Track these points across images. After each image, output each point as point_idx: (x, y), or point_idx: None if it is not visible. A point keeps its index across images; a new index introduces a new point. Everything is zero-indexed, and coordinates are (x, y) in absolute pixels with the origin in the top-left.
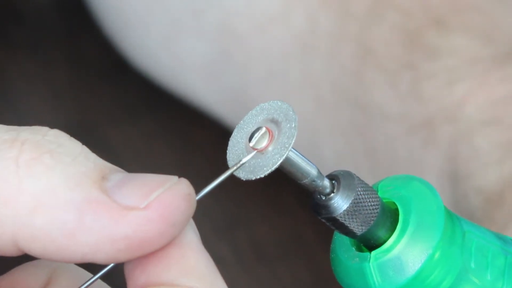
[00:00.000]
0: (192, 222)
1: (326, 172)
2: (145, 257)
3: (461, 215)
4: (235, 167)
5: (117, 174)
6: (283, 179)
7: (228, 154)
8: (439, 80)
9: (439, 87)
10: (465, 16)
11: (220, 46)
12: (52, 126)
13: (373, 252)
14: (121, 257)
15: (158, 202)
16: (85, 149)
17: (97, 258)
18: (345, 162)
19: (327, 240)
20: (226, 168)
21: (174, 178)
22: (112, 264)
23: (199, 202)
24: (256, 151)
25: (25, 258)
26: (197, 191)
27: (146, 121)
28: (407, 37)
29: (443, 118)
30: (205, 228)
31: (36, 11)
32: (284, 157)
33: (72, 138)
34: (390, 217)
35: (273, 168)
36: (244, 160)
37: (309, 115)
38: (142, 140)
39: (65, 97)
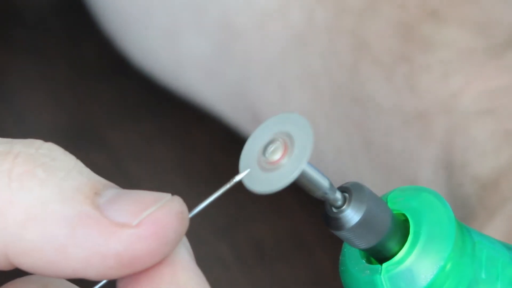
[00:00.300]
0: (185, 239)
1: (325, 166)
2: (136, 274)
3: (455, 203)
4: (228, 185)
5: (110, 190)
6: None
7: (240, 164)
8: (434, 72)
9: (434, 79)
10: (459, 8)
11: (219, 42)
12: (51, 126)
13: (385, 264)
14: (111, 274)
15: (150, 220)
16: (79, 164)
17: (88, 274)
18: (342, 156)
19: (327, 240)
20: (226, 169)
21: (168, 195)
22: (103, 281)
23: (198, 202)
24: (249, 169)
25: (16, 274)
26: (197, 192)
27: (146, 121)
28: (402, 30)
29: (439, 109)
30: (205, 229)
31: (36, 11)
32: (299, 172)
33: (67, 152)
34: (400, 229)
35: (287, 183)
36: (237, 178)
37: (307, 109)
38: (142, 141)
39: (65, 97)
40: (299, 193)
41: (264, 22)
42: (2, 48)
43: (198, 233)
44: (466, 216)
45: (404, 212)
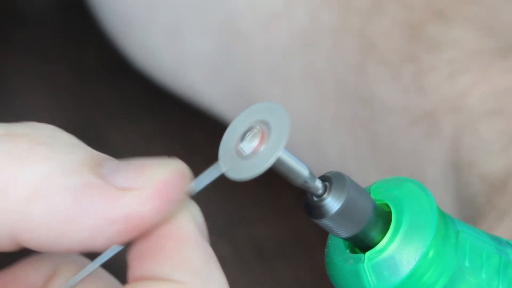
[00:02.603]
0: (198, 214)
1: (329, 167)
2: (142, 250)
3: (463, 202)
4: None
5: (112, 161)
6: (282, 178)
7: (220, 152)
8: (441, 72)
9: (441, 79)
10: (466, 8)
11: (222, 44)
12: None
13: (367, 253)
14: (119, 240)
15: (154, 180)
16: (79, 142)
17: (97, 243)
18: (349, 156)
19: (327, 239)
20: None
21: (168, 159)
22: (113, 251)
23: (198, 202)
24: (246, 154)
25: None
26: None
27: (146, 121)
28: (409, 29)
29: (446, 109)
30: None
31: (36, 11)
32: (275, 158)
33: (67, 132)
34: (383, 218)
35: (263, 169)
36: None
37: (312, 110)
38: (142, 140)
39: (65, 97)
40: (299, 192)
41: (268, 22)
42: (2, 48)
43: None
44: (474, 216)
45: (386, 201)
